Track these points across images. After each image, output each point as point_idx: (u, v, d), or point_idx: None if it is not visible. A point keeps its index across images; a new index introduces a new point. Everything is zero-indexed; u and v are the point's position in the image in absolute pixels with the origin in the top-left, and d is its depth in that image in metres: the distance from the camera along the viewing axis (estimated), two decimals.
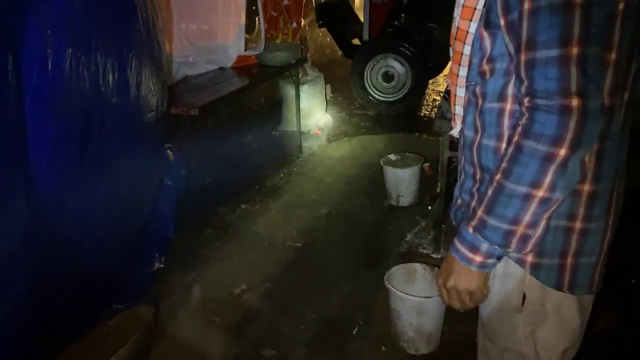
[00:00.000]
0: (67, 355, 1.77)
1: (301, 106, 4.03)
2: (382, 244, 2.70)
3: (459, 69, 0.93)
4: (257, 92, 4.98)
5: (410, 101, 4.78)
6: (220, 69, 3.58)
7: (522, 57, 0.76)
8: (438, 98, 5.13)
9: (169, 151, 2.51)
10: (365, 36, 5.02)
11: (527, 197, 0.78)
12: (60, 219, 1.75)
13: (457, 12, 0.90)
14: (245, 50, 3.63)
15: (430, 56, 4.63)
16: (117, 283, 2.18)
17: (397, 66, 4.70)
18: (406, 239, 2.73)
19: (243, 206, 3.11)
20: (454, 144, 2.47)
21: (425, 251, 2.62)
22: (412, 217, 2.95)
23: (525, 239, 0.82)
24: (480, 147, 0.92)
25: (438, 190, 2.64)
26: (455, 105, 1.00)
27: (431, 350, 1.93)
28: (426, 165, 3.37)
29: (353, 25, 5.36)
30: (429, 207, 3.04)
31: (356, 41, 5.31)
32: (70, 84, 1.53)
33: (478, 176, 0.95)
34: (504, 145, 0.87)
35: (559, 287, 0.91)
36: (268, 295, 2.30)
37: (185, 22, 3.47)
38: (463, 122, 0.97)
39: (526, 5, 0.75)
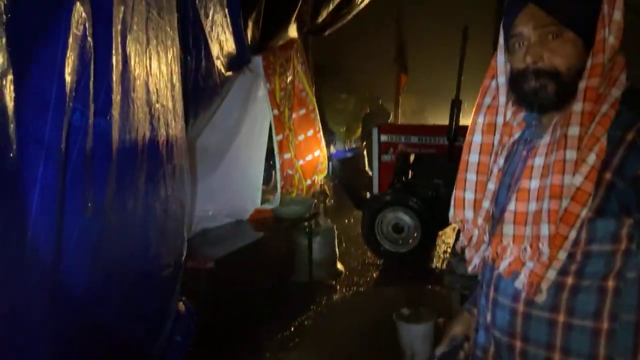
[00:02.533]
0: None
1: (313, 257, 4.12)
2: None
3: (558, 252, 0.89)
4: (272, 244, 5.13)
5: (420, 253, 4.86)
6: (238, 221, 3.77)
7: None
8: (448, 250, 5.21)
9: (181, 305, 2.54)
10: (375, 190, 5.33)
11: None
12: None
13: (567, 196, 0.87)
14: (261, 204, 3.87)
15: (438, 210, 4.83)
16: None
17: (406, 219, 4.88)
18: None
19: None
20: (464, 298, 2.46)
21: None
22: None
23: None
24: (570, 327, 0.90)
25: None
26: (543, 283, 0.92)
27: None
28: (440, 320, 3.29)
29: (363, 180, 5.73)
30: None
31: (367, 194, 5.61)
32: (97, 258, 1.63)
33: None
34: (604, 325, 0.88)
35: None
36: None
37: (210, 178, 3.76)
38: (529, 305, 0.93)
39: None
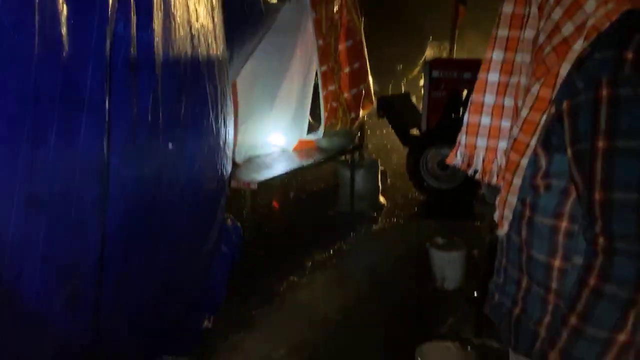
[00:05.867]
0: None
1: (356, 189, 4.25)
2: (423, 324, 2.71)
3: (513, 178, 0.92)
4: (315, 174, 5.32)
5: (464, 190, 4.86)
6: (282, 150, 3.95)
7: (597, 196, 0.76)
8: None
9: (228, 221, 2.78)
10: (424, 127, 5.28)
11: (609, 342, 0.76)
12: (125, 275, 1.97)
13: (518, 124, 0.90)
14: (306, 134, 4.01)
15: None
16: (169, 337, 2.36)
17: None
18: (447, 322, 2.72)
19: (291, 278, 3.26)
20: (495, 228, 2.52)
21: (466, 336, 2.59)
22: (455, 301, 2.94)
23: None
24: (529, 257, 0.91)
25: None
26: (505, 208, 0.96)
27: None
28: (476, 251, 3.38)
29: (412, 117, 5.67)
30: (475, 294, 3.01)
31: (414, 132, 5.58)
32: (146, 156, 1.81)
33: (524, 284, 0.94)
34: (556, 262, 0.87)
35: None
36: None
37: (263, 110, 3.90)
38: (510, 227, 0.95)
39: (601, 143, 0.74)
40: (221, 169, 2.39)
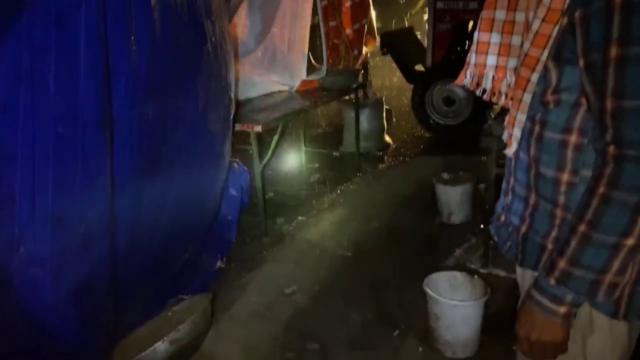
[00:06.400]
0: (141, 330, 2.05)
1: (361, 129, 4.21)
2: (430, 257, 2.77)
3: (523, 95, 0.92)
4: (320, 115, 5.27)
5: (470, 126, 4.80)
6: (286, 92, 3.87)
7: (608, 105, 0.75)
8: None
9: (234, 164, 2.79)
10: (428, 62, 5.15)
11: (617, 247, 0.77)
12: (138, 220, 1.99)
13: (529, 38, 0.89)
14: (308, 75, 3.91)
15: None
16: (183, 278, 2.45)
17: (458, 91, 4.76)
18: (454, 254, 2.78)
19: (300, 218, 3.31)
20: (502, 160, 2.52)
21: (473, 266, 2.65)
22: (462, 234, 2.99)
23: (613, 286, 0.81)
24: (538, 174, 0.92)
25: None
26: (514, 127, 0.96)
27: (468, 355, 1.97)
28: (482, 185, 3.39)
29: (416, 52, 5.52)
30: (482, 226, 3.06)
31: (419, 67, 5.45)
32: (149, 99, 1.80)
33: (532, 201, 0.94)
34: (564, 176, 0.88)
35: (614, 316, 0.90)
36: (316, 296, 2.45)
37: (257, 48, 3.81)
38: (519, 144, 0.95)
39: (613, 51, 0.73)
40: (224, 110, 2.36)
